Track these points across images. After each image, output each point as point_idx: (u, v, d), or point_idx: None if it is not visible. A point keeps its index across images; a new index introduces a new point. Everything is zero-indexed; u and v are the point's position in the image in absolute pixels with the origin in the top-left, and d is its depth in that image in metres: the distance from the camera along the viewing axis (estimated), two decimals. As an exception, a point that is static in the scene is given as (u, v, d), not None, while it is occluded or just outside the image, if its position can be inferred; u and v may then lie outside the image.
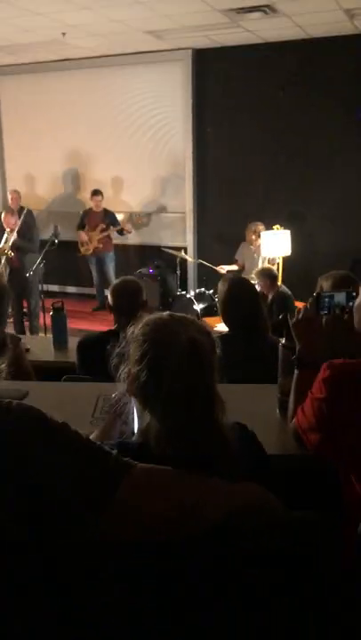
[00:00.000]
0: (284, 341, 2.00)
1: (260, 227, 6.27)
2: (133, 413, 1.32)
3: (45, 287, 6.47)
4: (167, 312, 1.26)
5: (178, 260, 7.11)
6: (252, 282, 4.54)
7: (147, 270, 7.45)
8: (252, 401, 2.06)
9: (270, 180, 7.04)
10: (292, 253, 6.20)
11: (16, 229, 6.22)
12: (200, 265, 7.16)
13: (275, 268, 5.94)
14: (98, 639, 1.04)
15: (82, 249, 7.53)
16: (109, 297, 2.81)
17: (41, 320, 6.20)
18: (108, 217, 7.49)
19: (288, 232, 6.19)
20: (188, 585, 1.04)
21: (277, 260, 6.20)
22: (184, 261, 7.26)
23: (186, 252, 7.34)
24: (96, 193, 7.48)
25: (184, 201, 7.73)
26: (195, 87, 7.27)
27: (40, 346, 3.44)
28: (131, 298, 2.74)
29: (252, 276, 5.27)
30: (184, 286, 7.38)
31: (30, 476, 1.00)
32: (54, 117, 8.04)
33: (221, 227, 7.40)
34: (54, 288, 8.09)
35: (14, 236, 6.20)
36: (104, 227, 7.41)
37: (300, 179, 6.92)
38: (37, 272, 6.06)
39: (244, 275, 5.96)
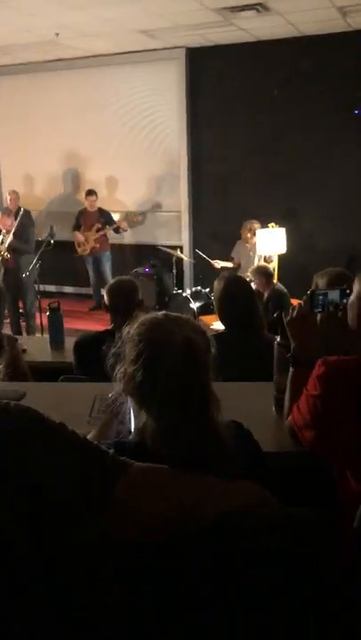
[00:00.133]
0: (279, 339, 2.01)
1: (256, 225, 6.28)
2: (130, 413, 1.33)
3: (42, 287, 6.47)
4: (162, 312, 1.27)
5: (174, 258, 7.12)
6: (248, 280, 4.56)
7: (143, 269, 7.46)
8: (248, 399, 2.07)
9: (265, 177, 7.05)
10: (287, 251, 6.21)
11: (12, 230, 6.22)
12: (196, 263, 7.17)
13: (271, 265, 5.96)
14: (98, 639, 1.05)
15: (79, 249, 7.54)
16: (105, 296, 2.82)
17: (37, 320, 6.21)
18: (104, 216, 7.50)
19: (283, 230, 6.20)
20: (188, 585, 1.05)
21: (274, 258, 6.21)
22: (180, 260, 7.27)
23: (182, 251, 7.35)
24: (90, 193, 7.49)
25: (179, 199, 7.74)
26: (189, 86, 7.28)
27: (37, 346, 3.44)
28: (127, 297, 2.75)
29: (248, 273, 5.29)
30: (180, 285, 7.39)
31: (29, 477, 1.01)
32: (49, 117, 8.03)
33: (217, 225, 7.41)
34: (51, 288, 8.10)
35: (10, 237, 6.21)
36: (100, 226, 7.42)
37: (295, 176, 6.94)
38: (33, 272, 6.06)
39: (240, 273, 5.97)
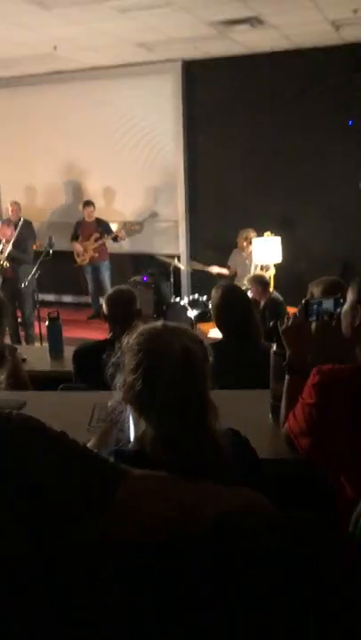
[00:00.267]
0: (275, 348, 2.04)
1: (252, 233, 6.33)
2: (129, 421, 1.36)
3: (41, 297, 6.50)
4: (161, 321, 1.29)
5: (171, 267, 7.15)
6: (244, 288, 4.60)
7: (140, 278, 7.49)
8: (245, 406, 2.09)
9: (261, 187, 7.11)
10: (283, 260, 6.26)
11: (12, 240, 6.27)
12: (193, 272, 7.21)
13: (268, 274, 6.00)
14: (98, 639, 1.07)
15: (78, 259, 7.57)
16: (104, 306, 2.85)
17: (36, 329, 6.23)
18: (101, 226, 7.54)
19: (279, 239, 6.25)
20: (188, 585, 1.06)
21: (271, 266, 6.25)
22: (177, 269, 7.30)
23: (179, 260, 7.39)
24: (87, 204, 7.54)
25: (176, 209, 7.78)
26: (185, 97, 7.34)
27: (36, 355, 3.45)
28: (125, 306, 2.78)
29: (245, 282, 5.32)
30: (178, 293, 7.42)
31: (30, 485, 1.03)
32: (47, 129, 8.08)
33: (213, 234, 7.45)
34: (50, 297, 8.13)
35: (10, 247, 6.25)
36: (98, 236, 7.46)
37: (291, 186, 6.99)
38: (31, 282, 6.10)
39: (237, 281, 6.01)
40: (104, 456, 1.14)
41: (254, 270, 6.05)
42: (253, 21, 5.39)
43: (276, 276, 6.21)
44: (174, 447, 1.16)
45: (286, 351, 1.90)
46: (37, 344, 6.06)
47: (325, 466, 1.64)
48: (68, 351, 3.16)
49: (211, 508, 1.10)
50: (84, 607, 1.04)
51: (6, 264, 6.20)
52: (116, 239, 7.53)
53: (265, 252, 6.15)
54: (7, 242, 6.27)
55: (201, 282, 6.99)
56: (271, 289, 5.40)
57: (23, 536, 1.01)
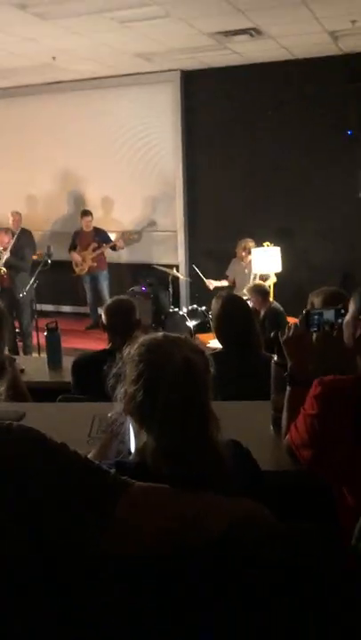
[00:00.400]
0: (276, 358, 2.03)
1: (250, 243, 6.34)
2: (130, 433, 1.35)
3: (40, 307, 6.49)
4: (162, 332, 1.29)
5: (170, 277, 7.16)
6: (244, 298, 4.59)
7: (139, 288, 7.50)
8: (246, 417, 2.08)
9: (260, 197, 7.13)
10: (283, 269, 6.27)
11: (9, 248, 6.29)
12: (192, 282, 7.21)
13: (268, 284, 6.00)
14: (98, 639, 1.05)
15: (76, 269, 7.58)
16: (103, 316, 2.84)
17: (34, 340, 6.22)
18: (99, 235, 7.55)
19: (278, 249, 6.26)
20: (188, 585, 1.06)
21: (270, 276, 6.26)
22: (176, 278, 7.31)
23: (178, 270, 7.40)
24: (85, 213, 7.55)
25: (175, 219, 7.81)
26: (184, 107, 7.38)
27: (34, 366, 3.44)
28: (124, 317, 2.77)
29: (244, 292, 5.32)
30: (176, 303, 7.42)
31: (30, 498, 1.02)
32: (46, 139, 8.11)
33: (212, 244, 7.47)
34: (49, 307, 8.13)
35: (7, 254, 6.27)
36: (96, 245, 7.47)
37: (290, 195, 7.02)
38: (29, 292, 6.10)
39: (236, 291, 6.01)
40: (105, 468, 1.13)
41: (253, 280, 6.06)
42: (252, 32, 5.42)
43: (275, 286, 6.21)
44: (176, 458, 1.15)
45: (287, 362, 1.89)
46: (35, 354, 6.04)
47: (327, 477, 1.63)
48: (67, 362, 3.15)
49: (212, 520, 1.10)
50: (84, 607, 1.03)
51: (3, 270, 6.21)
52: (114, 248, 7.55)
53: (265, 262, 6.16)
54: (4, 249, 6.30)
55: (200, 292, 7.00)
56: (271, 298, 5.40)
57: (23, 536, 1.00)
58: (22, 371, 3.05)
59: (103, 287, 7.61)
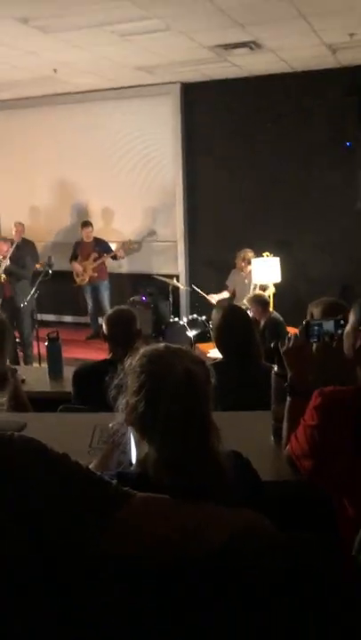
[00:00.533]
0: (276, 369, 2.04)
1: (250, 253, 6.37)
2: (131, 443, 1.35)
3: (41, 317, 6.51)
4: (163, 343, 1.30)
5: (170, 287, 7.17)
6: (244, 308, 4.61)
7: (139, 298, 7.51)
8: (247, 428, 2.08)
9: (260, 208, 7.17)
10: (282, 280, 6.29)
11: (8, 256, 6.33)
12: (192, 291, 7.23)
13: (267, 294, 6.02)
14: (98, 639, 1.05)
15: (77, 279, 7.60)
16: (104, 326, 2.83)
17: (35, 349, 6.22)
18: (100, 245, 7.58)
19: (278, 259, 6.28)
20: (189, 585, 1.06)
21: (270, 286, 6.28)
22: (176, 288, 7.33)
23: (178, 280, 7.42)
24: (86, 224, 7.59)
25: (175, 229, 7.84)
26: (184, 119, 7.43)
27: (35, 376, 3.43)
28: (125, 327, 2.78)
29: (244, 302, 5.33)
30: (177, 313, 7.43)
31: (31, 508, 1.03)
32: (47, 151, 8.17)
33: (212, 254, 7.49)
34: (50, 317, 8.14)
35: (7, 262, 6.32)
36: (97, 255, 7.50)
37: (289, 207, 7.05)
38: (30, 302, 6.12)
39: (236, 301, 6.03)
40: (107, 478, 1.13)
41: (253, 290, 6.07)
42: (252, 45, 5.47)
43: (275, 296, 6.23)
44: (177, 469, 1.16)
45: (287, 372, 1.90)
46: (36, 364, 6.04)
47: (328, 488, 1.63)
48: (68, 372, 3.15)
49: (213, 531, 1.10)
50: (84, 607, 1.03)
51: (3, 277, 6.24)
52: (115, 257, 7.59)
53: (264, 272, 6.18)
54: (4, 257, 6.37)
55: (200, 302, 7.01)
56: (271, 308, 5.42)
57: (23, 536, 1.01)
58: (23, 381, 3.05)
59: (104, 297, 7.63)
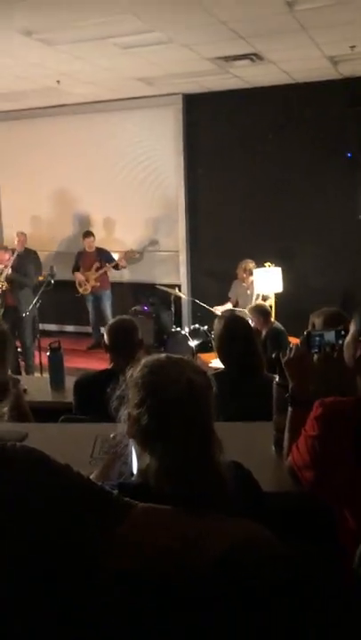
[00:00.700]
0: (278, 379, 2.04)
1: (251, 264, 6.38)
2: (132, 454, 1.35)
3: (43, 326, 6.52)
4: (165, 354, 1.30)
5: (172, 297, 7.19)
6: (246, 318, 4.61)
7: (141, 307, 7.53)
8: (248, 438, 2.08)
9: (261, 218, 7.19)
10: (284, 290, 6.30)
11: (10, 265, 6.35)
12: (194, 301, 7.24)
13: (268, 303, 6.03)
14: (98, 639, 1.05)
15: (80, 289, 7.63)
16: (105, 336, 2.83)
17: (37, 359, 6.23)
18: (102, 255, 7.61)
19: (279, 269, 6.29)
20: (188, 593, 1.06)
21: (270, 296, 6.29)
22: (178, 298, 7.34)
23: (180, 290, 7.43)
24: (87, 234, 7.63)
25: (177, 239, 7.86)
26: (185, 130, 7.48)
27: (36, 386, 3.44)
28: (126, 337, 2.77)
29: (246, 312, 5.34)
30: (178, 323, 7.44)
31: (32, 519, 1.03)
32: (50, 161, 8.21)
33: (214, 264, 7.51)
34: (52, 327, 8.15)
35: (8, 270, 6.34)
36: (99, 265, 7.53)
37: (290, 217, 7.08)
38: (32, 312, 6.13)
39: (238, 312, 6.03)
40: (108, 489, 1.13)
41: (255, 300, 6.08)
42: (253, 57, 5.52)
43: (276, 306, 6.23)
44: (178, 479, 1.16)
45: (289, 383, 1.90)
46: (37, 374, 6.04)
47: (329, 499, 1.63)
48: (69, 382, 3.15)
49: (213, 541, 1.10)
50: (84, 607, 1.03)
51: (4, 285, 6.26)
52: (117, 267, 7.61)
53: (266, 283, 6.19)
54: (5, 266, 6.41)
55: (202, 312, 7.02)
56: (272, 318, 5.42)
57: (23, 536, 1.01)
58: (25, 391, 3.05)
59: (106, 307, 7.65)
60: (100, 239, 7.79)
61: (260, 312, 5.08)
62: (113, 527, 1.05)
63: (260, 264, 6.34)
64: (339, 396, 1.64)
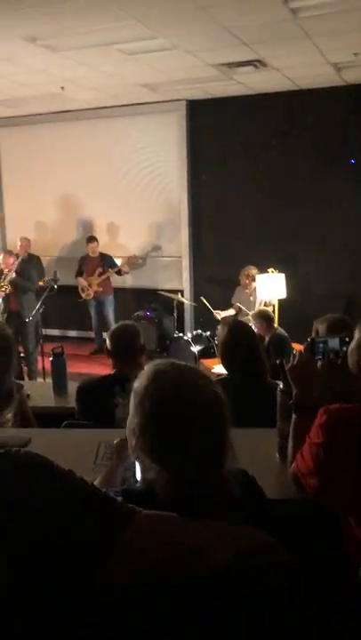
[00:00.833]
0: (282, 386, 2.03)
1: (253, 270, 6.38)
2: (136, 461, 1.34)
3: (46, 331, 6.52)
4: (170, 362, 1.27)
5: (175, 302, 7.19)
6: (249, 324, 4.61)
7: (144, 313, 7.53)
8: (252, 445, 2.07)
9: (264, 224, 7.20)
10: (287, 296, 6.29)
11: (14, 269, 6.37)
12: (197, 307, 7.24)
13: (270, 308, 6.02)
14: (98, 639, 1.05)
15: (83, 294, 7.64)
16: (108, 341, 2.82)
17: (39, 364, 6.23)
18: (105, 261, 7.62)
19: (283, 275, 6.29)
20: (192, 601, 1.05)
21: (273, 302, 6.28)
22: (181, 304, 7.34)
23: (182, 295, 7.43)
24: (91, 240, 7.64)
25: (180, 245, 7.87)
26: (189, 136, 7.50)
27: (39, 391, 3.43)
28: (129, 342, 2.77)
29: (249, 317, 5.33)
30: (181, 328, 7.43)
31: (36, 525, 1.02)
32: (53, 167, 8.25)
33: (217, 269, 7.52)
34: (54, 332, 8.16)
35: (12, 274, 6.37)
36: (102, 270, 7.54)
37: (294, 223, 7.08)
38: (35, 317, 6.14)
39: (241, 318, 6.03)
40: (112, 495, 1.12)
41: (259, 306, 6.08)
42: (257, 64, 5.53)
43: (279, 312, 6.23)
44: (190, 489, 1.14)
45: (293, 389, 1.89)
46: (40, 379, 6.04)
47: (333, 506, 1.62)
48: (72, 387, 3.14)
49: (219, 549, 1.09)
50: (84, 607, 1.02)
51: (8, 288, 6.27)
52: (119, 273, 7.62)
53: (269, 289, 6.19)
54: (10, 271, 6.44)
55: (204, 317, 7.01)
56: (275, 324, 5.41)
57: (26, 541, 1.01)
58: (28, 396, 3.05)
59: (109, 312, 7.65)
60: (104, 245, 7.81)
61: (264, 318, 5.07)
62: (117, 533, 1.05)
63: (263, 270, 6.34)
64: (343, 402, 1.64)
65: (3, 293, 6.32)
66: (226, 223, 7.46)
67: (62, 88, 6.43)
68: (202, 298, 6.93)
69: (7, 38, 4.62)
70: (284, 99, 6.87)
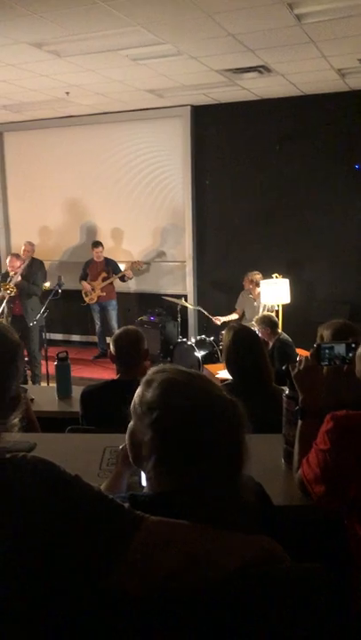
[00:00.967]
0: (287, 391, 2.02)
1: (257, 276, 6.38)
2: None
3: (49, 336, 6.52)
4: (176, 369, 1.25)
5: (178, 307, 7.19)
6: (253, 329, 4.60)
7: (148, 318, 7.53)
8: (257, 451, 2.05)
9: (268, 229, 7.20)
10: (291, 301, 6.29)
11: (20, 272, 6.39)
12: (200, 312, 7.24)
13: (273, 314, 6.01)
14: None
15: (86, 298, 7.65)
16: (111, 346, 2.82)
17: (43, 369, 6.23)
18: (110, 265, 7.63)
19: (287, 280, 6.29)
20: (199, 609, 1.04)
21: (276, 308, 6.27)
22: (184, 309, 7.34)
23: (186, 300, 7.43)
24: (96, 245, 7.66)
25: (183, 250, 7.88)
26: (194, 141, 7.51)
27: (43, 396, 3.43)
28: (132, 347, 2.77)
29: (253, 323, 5.33)
30: (185, 333, 7.43)
31: (42, 530, 1.02)
32: (58, 171, 8.27)
33: (220, 275, 7.52)
34: (58, 336, 8.16)
35: (18, 277, 6.39)
36: (106, 275, 7.55)
37: (298, 228, 7.09)
38: (39, 321, 6.15)
39: (245, 323, 6.02)
40: (119, 501, 1.12)
41: (262, 311, 6.07)
42: (261, 69, 5.55)
43: (283, 318, 6.22)
44: (197, 494, 1.13)
45: (299, 395, 1.89)
46: (44, 384, 6.05)
47: (339, 512, 1.61)
48: (76, 392, 3.14)
49: (227, 556, 1.08)
50: (91, 614, 1.02)
51: (13, 291, 6.29)
52: (123, 278, 7.62)
53: (274, 294, 6.18)
54: (16, 274, 6.46)
55: (208, 322, 7.01)
56: (279, 330, 5.40)
57: (33, 547, 1.00)
58: (32, 400, 3.05)
59: (112, 316, 7.66)
60: (108, 249, 7.82)
61: (268, 323, 5.06)
62: (124, 539, 1.04)
63: (267, 275, 6.34)
64: (349, 409, 1.63)
65: (8, 296, 6.33)
66: (230, 228, 7.46)
67: (67, 93, 6.46)
68: (200, 307, 6.94)
69: (13, 44, 4.64)
70: (289, 104, 6.88)
